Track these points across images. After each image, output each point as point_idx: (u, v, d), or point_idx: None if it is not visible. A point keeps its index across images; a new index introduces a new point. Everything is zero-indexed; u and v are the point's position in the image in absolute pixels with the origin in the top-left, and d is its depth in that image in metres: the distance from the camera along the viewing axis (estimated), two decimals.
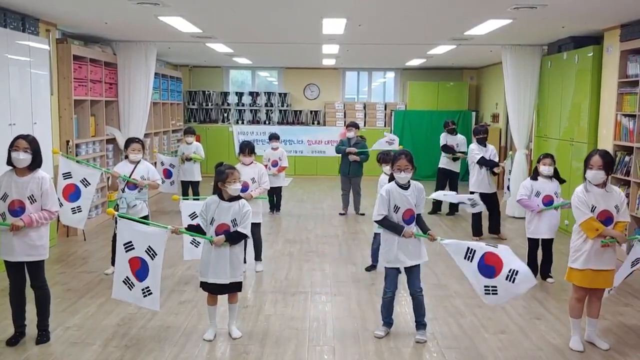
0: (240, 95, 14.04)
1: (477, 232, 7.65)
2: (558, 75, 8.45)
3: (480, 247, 4.13)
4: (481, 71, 13.73)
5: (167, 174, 8.79)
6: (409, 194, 4.38)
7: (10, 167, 4.19)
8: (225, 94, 14.06)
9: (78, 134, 8.00)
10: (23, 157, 4.11)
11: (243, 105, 14.01)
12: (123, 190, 5.82)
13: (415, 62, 12.31)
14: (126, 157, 5.99)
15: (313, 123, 13.96)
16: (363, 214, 9.07)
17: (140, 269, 4.08)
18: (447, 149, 9.09)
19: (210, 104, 13.92)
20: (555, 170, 5.81)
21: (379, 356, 4.17)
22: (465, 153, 8.96)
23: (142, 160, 6.00)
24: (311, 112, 14.00)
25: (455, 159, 9.06)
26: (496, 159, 7.55)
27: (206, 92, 13.91)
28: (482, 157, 7.46)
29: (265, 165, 8.60)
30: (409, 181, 4.41)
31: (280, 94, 13.95)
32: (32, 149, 4.15)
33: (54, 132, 7.31)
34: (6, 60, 6.08)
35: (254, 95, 14.01)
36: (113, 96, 8.96)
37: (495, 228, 7.73)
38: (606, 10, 6.19)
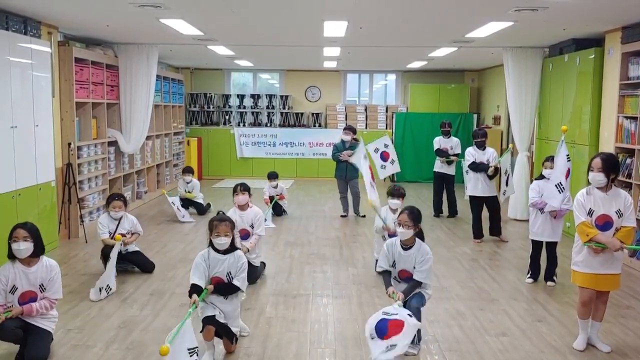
0: (241, 97, 14.05)
1: (477, 235, 7.65)
2: (559, 77, 8.45)
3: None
4: (482, 73, 13.73)
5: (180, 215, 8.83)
6: (408, 255, 4.25)
7: (11, 260, 4.03)
8: (226, 97, 14.07)
9: (80, 137, 8.01)
10: (24, 247, 3.96)
11: (244, 107, 14.02)
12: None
13: (417, 65, 12.31)
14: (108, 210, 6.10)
15: (314, 125, 13.97)
16: (364, 216, 9.07)
17: None
18: (441, 152, 9.07)
19: (211, 106, 13.94)
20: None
21: None
22: (458, 155, 8.98)
23: (125, 214, 6.11)
24: (312, 114, 14.02)
25: (449, 162, 9.04)
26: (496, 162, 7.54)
27: (208, 95, 13.92)
28: (473, 162, 7.44)
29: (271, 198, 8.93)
30: (414, 241, 4.27)
31: (281, 97, 13.95)
32: (32, 237, 3.99)
33: (56, 134, 7.32)
34: (8, 63, 6.09)
35: (255, 97, 14.02)
36: (114, 99, 8.97)
37: (496, 230, 7.73)
38: (607, 12, 6.19)
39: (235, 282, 4.10)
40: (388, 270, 4.31)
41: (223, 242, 4.08)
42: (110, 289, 5.40)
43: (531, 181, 9.24)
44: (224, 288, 4.09)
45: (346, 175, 9.00)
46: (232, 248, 4.16)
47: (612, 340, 4.49)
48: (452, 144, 9.08)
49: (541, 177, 5.86)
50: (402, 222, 4.21)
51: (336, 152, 9.05)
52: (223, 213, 4.51)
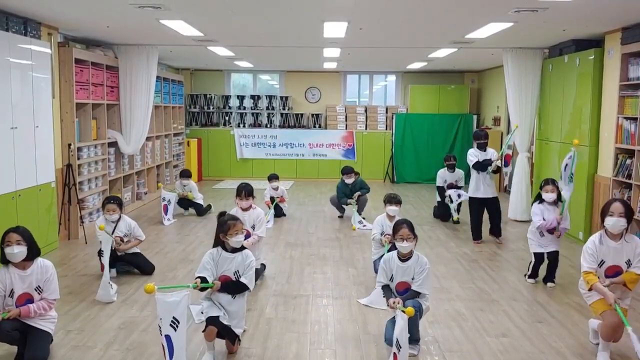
0: (241, 98, 14.05)
1: (476, 236, 7.65)
2: (559, 78, 8.45)
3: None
4: (482, 74, 13.74)
5: (165, 209, 8.80)
6: (407, 267, 4.30)
7: (5, 264, 3.99)
8: (226, 98, 14.07)
9: (80, 138, 8.01)
10: (17, 251, 3.92)
11: (244, 108, 14.03)
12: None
13: (417, 66, 12.32)
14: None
15: (314, 126, 13.97)
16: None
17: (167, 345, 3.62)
18: (444, 190, 8.90)
19: (211, 107, 13.94)
20: (559, 194, 5.75)
21: (380, 359, 4.16)
22: (462, 187, 8.85)
23: (122, 216, 6.09)
24: (312, 115, 14.02)
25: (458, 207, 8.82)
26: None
27: (208, 96, 13.93)
28: (477, 162, 7.43)
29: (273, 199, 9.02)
30: (412, 253, 4.33)
31: (281, 97, 13.96)
32: (25, 240, 3.96)
33: (56, 135, 7.32)
34: (8, 64, 6.09)
35: (255, 98, 14.02)
36: (115, 99, 8.97)
37: (496, 231, 7.72)
38: (607, 13, 6.19)
39: (243, 279, 4.10)
40: (387, 284, 4.37)
41: (240, 239, 4.13)
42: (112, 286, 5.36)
43: (532, 182, 9.28)
44: (232, 286, 4.09)
45: (351, 194, 9.02)
46: (241, 247, 4.20)
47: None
48: (457, 177, 8.99)
49: (541, 200, 5.78)
50: (405, 236, 4.26)
51: (343, 197, 9.02)
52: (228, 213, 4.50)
